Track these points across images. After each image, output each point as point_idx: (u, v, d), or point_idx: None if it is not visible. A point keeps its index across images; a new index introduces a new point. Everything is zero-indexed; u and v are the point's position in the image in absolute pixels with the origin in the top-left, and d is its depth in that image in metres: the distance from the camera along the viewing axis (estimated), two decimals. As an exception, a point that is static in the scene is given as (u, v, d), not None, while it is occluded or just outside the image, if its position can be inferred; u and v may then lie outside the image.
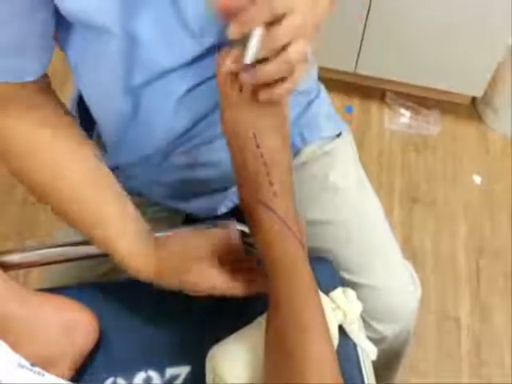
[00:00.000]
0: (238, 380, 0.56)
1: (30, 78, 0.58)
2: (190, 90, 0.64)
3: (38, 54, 0.57)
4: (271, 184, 0.55)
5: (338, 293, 0.65)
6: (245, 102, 0.54)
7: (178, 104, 0.64)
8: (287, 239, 0.54)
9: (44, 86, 0.61)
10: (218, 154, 0.72)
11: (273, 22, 0.47)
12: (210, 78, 0.64)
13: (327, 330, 0.52)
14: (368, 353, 0.65)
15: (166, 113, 0.65)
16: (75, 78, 0.66)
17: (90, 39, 0.59)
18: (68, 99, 0.78)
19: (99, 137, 0.76)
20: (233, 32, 0.47)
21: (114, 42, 0.58)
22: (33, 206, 1.54)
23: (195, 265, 0.57)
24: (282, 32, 0.47)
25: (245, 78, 0.50)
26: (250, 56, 0.47)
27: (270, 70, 0.49)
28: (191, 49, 0.60)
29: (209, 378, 0.60)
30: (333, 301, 0.64)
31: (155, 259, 0.59)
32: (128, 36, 0.58)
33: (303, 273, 0.54)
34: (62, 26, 0.58)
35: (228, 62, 0.50)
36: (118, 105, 0.65)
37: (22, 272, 1.36)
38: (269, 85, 0.51)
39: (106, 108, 0.67)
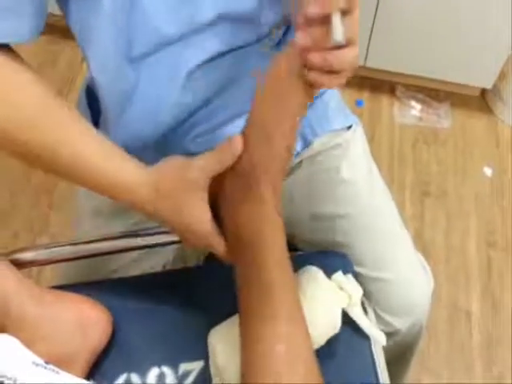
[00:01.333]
0: (230, 360, 0.57)
1: (18, 41, 0.55)
2: (197, 67, 0.62)
3: (30, 17, 0.55)
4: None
5: (339, 275, 0.65)
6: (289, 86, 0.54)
7: (183, 78, 0.63)
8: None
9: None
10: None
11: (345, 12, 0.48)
12: (218, 56, 0.63)
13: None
14: (376, 338, 0.64)
15: (171, 86, 0.64)
16: (80, 47, 0.64)
17: (85, 4, 0.57)
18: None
19: (106, 117, 0.73)
20: (312, 12, 0.48)
21: (111, 8, 0.56)
22: (44, 203, 1.55)
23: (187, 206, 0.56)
24: (354, 25, 0.49)
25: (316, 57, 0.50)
26: (339, 34, 0.48)
27: (344, 56, 0.50)
28: (201, 15, 0.58)
29: (210, 358, 0.61)
30: (335, 282, 0.64)
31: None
32: (128, 3, 0.56)
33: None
34: None
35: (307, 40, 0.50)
36: (120, 77, 0.63)
37: (34, 270, 1.37)
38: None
39: (109, 78, 0.64)
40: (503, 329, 1.35)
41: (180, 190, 0.56)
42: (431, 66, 1.62)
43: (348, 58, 0.51)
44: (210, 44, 0.62)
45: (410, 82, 1.74)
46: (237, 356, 0.54)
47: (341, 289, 0.63)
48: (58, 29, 1.29)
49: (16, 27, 0.54)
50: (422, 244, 1.47)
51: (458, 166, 1.63)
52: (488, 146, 1.67)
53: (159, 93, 0.65)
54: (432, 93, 1.74)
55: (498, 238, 1.49)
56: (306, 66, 0.52)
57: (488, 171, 1.61)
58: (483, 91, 1.73)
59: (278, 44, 0.69)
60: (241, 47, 0.64)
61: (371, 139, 1.64)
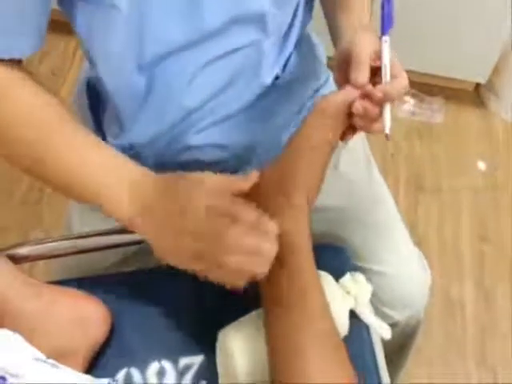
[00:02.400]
0: (247, 358, 0.57)
1: (17, 56, 0.58)
2: (202, 66, 0.64)
3: (30, 34, 0.58)
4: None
5: (347, 278, 0.65)
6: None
7: (190, 79, 0.64)
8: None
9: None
10: (229, 135, 0.72)
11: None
12: (223, 56, 0.64)
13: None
14: (381, 333, 0.65)
15: (179, 88, 0.65)
16: (85, 50, 0.65)
17: (95, 13, 0.58)
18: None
19: (114, 116, 0.74)
20: (371, 112, 0.57)
21: (122, 17, 0.57)
22: (36, 198, 1.53)
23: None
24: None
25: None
26: (388, 128, 0.58)
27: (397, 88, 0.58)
28: (211, 21, 0.60)
29: (219, 358, 0.60)
30: (342, 287, 0.64)
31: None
32: (137, 11, 0.57)
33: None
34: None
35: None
36: (132, 80, 0.64)
37: (26, 265, 1.36)
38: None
39: (119, 83, 0.66)
40: (496, 320, 1.37)
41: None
42: (425, 61, 1.62)
43: (400, 89, 0.58)
44: (217, 46, 0.63)
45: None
46: (257, 357, 0.55)
47: (348, 293, 0.63)
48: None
49: (17, 44, 0.57)
50: (415, 237, 1.45)
51: (452, 161, 1.63)
52: (482, 140, 1.67)
53: (168, 95, 0.66)
54: (425, 87, 1.73)
55: (491, 232, 1.50)
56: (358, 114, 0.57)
57: (482, 165, 1.62)
58: (477, 86, 1.74)
59: (283, 40, 0.70)
60: (246, 46, 0.65)
61: (364, 134, 1.64)
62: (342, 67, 0.59)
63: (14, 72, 0.58)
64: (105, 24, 0.59)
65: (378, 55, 0.58)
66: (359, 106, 0.56)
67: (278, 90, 0.73)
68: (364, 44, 0.58)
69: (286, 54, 0.72)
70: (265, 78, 0.70)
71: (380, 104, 0.57)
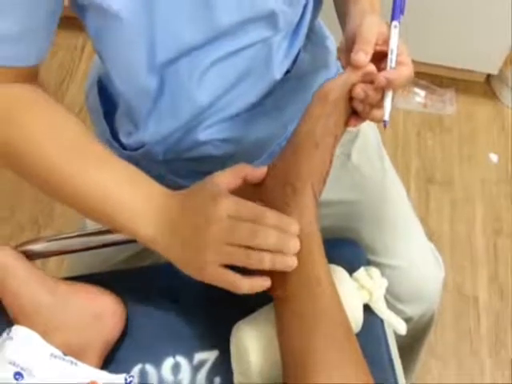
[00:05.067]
0: (260, 353, 0.57)
1: (23, 65, 0.58)
2: (213, 64, 0.64)
3: (37, 43, 0.58)
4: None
5: (361, 272, 0.64)
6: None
7: (201, 77, 0.64)
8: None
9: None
10: (240, 130, 0.71)
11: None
12: (233, 53, 0.64)
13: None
14: (397, 327, 0.64)
15: (190, 86, 0.65)
16: (96, 49, 0.66)
17: (103, 19, 0.58)
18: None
19: (126, 115, 0.75)
20: (373, 97, 0.55)
21: (128, 25, 0.57)
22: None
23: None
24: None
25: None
26: (387, 115, 0.57)
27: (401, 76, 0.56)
28: (222, 21, 0.60)
29: (233, 353, 0.60)
30: (356, 281, 0.64)
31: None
32: (145, 18, 0.57)
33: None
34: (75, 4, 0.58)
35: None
36: (143, 82, 0.64)
37: (38, 262, 1.37)
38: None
39: (130, 84, 0.66)
40: (510, 315, 1.36)
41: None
42: (436, 52, 1.61)
43: (404, 77, 0.56)
44: (228, 43, 0.63)
45: (414, 68, 1.72)
46: (271, 352, 0.55)
47: (362, 287, 0.63)
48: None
49: (23, 53, 0.57)
50: (427, 231, 1.45)
51: (464, 153, 1.62)
52: (493, 132, 1.66)
53: (180, 93, 0.66)
54: (436, 79, 1.72)
55: (504, 224, 1.49)
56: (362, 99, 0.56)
57: (494, 158, 1.61)
58: (488, 77, 1.72)
59: (293, 34, 0.69)
60: (256, 43, 0.64)
61: (375, 125, 1.63)
62: (349, 51, 0.58)
63: (30, 88, 0.59)
64: (113, 30, 0.59)
65: (386, 40, 0.57)
66: (360, 90, 0.55)
67: (289, 84, 0.73)
68: (370, 25, 0.57)
69: (297, 47, 0.72)
70: (275, 73, 0.69)
71: (382, 90, 0.55)
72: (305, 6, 0.69)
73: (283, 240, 0.52)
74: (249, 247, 0.52)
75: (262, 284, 0.53)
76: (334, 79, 0.57)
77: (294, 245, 0.52)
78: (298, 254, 0.53)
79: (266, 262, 0.51)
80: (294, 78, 0.73)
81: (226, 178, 0.56)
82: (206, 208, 0.53)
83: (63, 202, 0.61)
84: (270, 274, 0.54)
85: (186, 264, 0.56)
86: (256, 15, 0.61)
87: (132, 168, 0.60)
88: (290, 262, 0.52)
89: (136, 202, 0.57)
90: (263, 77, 0.69)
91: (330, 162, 0.58)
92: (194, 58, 0.63)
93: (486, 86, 1.73)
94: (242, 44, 0.63)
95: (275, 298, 0.56)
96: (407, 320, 0.81)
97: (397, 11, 0.59)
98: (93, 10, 0.59)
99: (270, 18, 0.62)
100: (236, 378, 0.60)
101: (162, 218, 0.56)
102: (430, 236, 1.45)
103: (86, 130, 0.60)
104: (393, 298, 0.79)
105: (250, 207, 0.53)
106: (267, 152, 0.77)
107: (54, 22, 0.59)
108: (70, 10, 0.61)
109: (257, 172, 0.57)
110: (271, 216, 0.53)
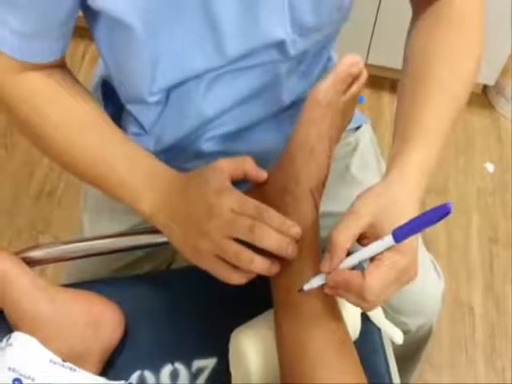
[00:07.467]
0: (260, 357, 0.57)
1: (42, 61, 0.59)
2: (219, 76, 0.64)
3: (58, 40, 0.59)
4: None
5: None
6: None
7: (206, 89, 0.65)
8: None
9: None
10: (243, 144, 0.72)
11: None
12: (240, 70, 0.64)
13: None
14: (393, 337, 0.65)
15: (196, 98, 0.66)
16: (104, 61, 0.67)
17: (114, 29, 0.59)
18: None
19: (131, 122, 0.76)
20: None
21: (138, 41, 0.58)
22: (47, 200, 1.54)
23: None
24: None
25: None
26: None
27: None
28: (228, 54, 0.61)
29: (231, 357, 0.60)
30: None
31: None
32: (154, 40, 0.58)
33: None
34: (88, 9, 0.58)
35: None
36: (149, 95, 0.65)
37: (36, 269, 1.37)
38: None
39: (135, 96, 0.67)
40: (506, 324, 1.36)
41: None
42: (433, 63, 1.62)
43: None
44: (236, 64, 0.63)
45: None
46: (270, 357, 0.55)
47: None
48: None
49: (46, 48, 0.59)
50: (424, 240, 1.47)
51: (460, 163, 1.63)
52: (490, 142, 1.67)
53: (186, 104, 0.67)
54: (433, 89, 1.73)
55: (500, 234, 1.50)
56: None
57: (490, 167, 1.62)
58: (485, 88, 1.74)
59: (308, 66, 0.71)
60: (264, 64, 0.65)
61: (373, 137, 1.64)
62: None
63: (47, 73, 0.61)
64: (123, 42, 0.60)
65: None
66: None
67: (297, 107, 0.73)
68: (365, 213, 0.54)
69: (311, 80, 0.72)
70: (284, 97, 0.70)
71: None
72: (324, 43, 0.70)
73: (281, 243, 0.52)
74: (248, 246, 0.52)
75: (252, 277, 0.54)
76: (324, 81, 0.57)
77: (292, 250, 0.53)
78: (295, 259, 0.53)
79: (256, 265, 0.52)
80: (303, 103, 0.74)
81: (230, 166, 0.56)
82: (209, 200, 0.53)
83: (75, 174, 0.64)
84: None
85: (182, 245, 0.57)
86: (264, 43, 0.62)
87: (135, 146, 0.62)
88: (274, 270, 0.53)
89: (136, 178, 0.59)
90: (271, 98, 0.70)
91: (328, 165, 0.59)
92: (200, 75, 0.64)
93: (482, 97, 1.75)
94: (251, 63, 0.64)
95: (275, 303, 0.57)
96: (406, 331, 0.81)
97: (405, 233, 0.49)
98: (104, 19, 0.59)
99: (279, 46, 0.63)
100: (234, 381, 0.60)
101: (162, 198, 0.58)
102: (427, 245, 1.47)
103: (99, 111, 0.64)
104: (393, 310, 0.78)
105: (253, 204, 0.53)
106: (267, 167, 0.77)
107: (70, 21, 0.59)
108: (82, 13, 0.61)
109: (257, 172, 0.58)
110: (273, 216, 0.53)
